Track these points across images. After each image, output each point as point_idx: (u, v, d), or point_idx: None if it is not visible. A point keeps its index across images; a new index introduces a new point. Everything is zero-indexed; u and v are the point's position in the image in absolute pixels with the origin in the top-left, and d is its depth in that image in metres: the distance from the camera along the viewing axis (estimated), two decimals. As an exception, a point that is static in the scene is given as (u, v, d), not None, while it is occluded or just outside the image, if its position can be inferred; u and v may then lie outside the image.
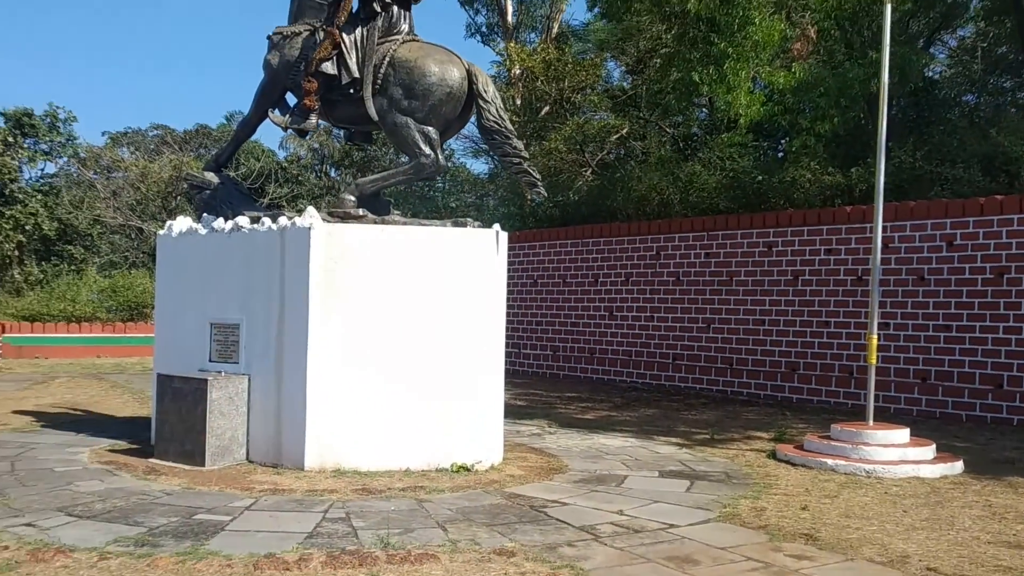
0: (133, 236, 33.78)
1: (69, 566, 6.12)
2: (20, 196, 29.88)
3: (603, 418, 14.32)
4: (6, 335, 23.55)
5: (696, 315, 18.27)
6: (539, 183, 10.33)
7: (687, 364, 18.41)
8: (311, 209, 9.73)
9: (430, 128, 9.90)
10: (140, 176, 32.57)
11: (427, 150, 9.86)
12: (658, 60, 21.95)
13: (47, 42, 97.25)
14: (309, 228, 9.38)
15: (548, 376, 21.36)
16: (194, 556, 6.35)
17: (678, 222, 19.02)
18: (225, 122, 43.61)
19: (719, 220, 18.18)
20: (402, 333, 9.58)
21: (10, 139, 30.11)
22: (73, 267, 30.76)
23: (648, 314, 19.22)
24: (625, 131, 25.97)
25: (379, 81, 9.97)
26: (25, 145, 31.10)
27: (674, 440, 11.96)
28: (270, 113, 10.73)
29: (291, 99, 10.87)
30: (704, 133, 25.83)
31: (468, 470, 9.45)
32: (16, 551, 6.46)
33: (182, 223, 11.10)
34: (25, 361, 23.19)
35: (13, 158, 30.12)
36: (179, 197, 32.29)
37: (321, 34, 10.14)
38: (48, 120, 31.65)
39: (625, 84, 28.16)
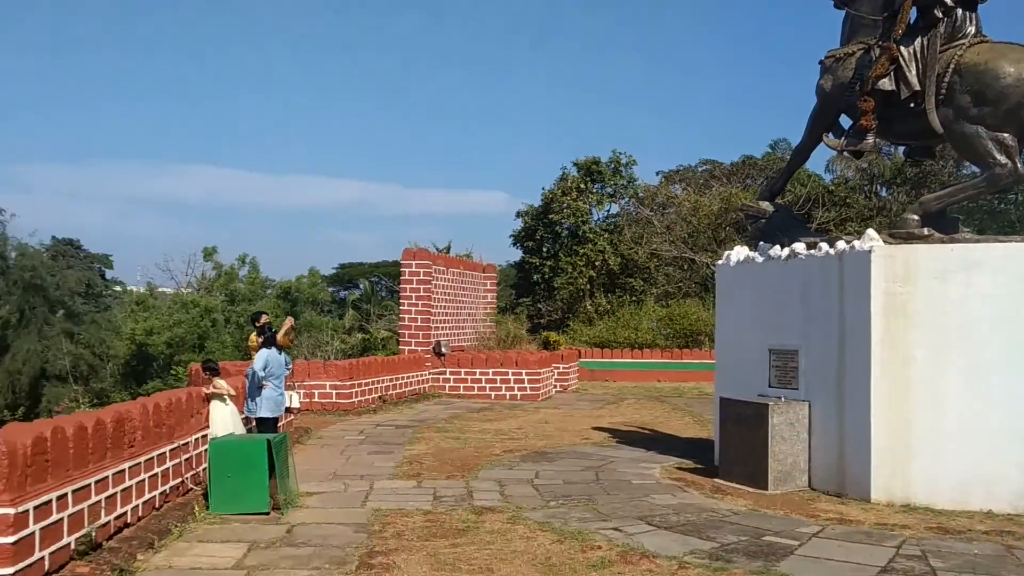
0: (685, 267, 35.82)
1: (652, 571, 6.68)
2: (590, 236, 33.63)
3: None
4: (582, 360, 26.59)
5: None
6: None
7: None
8: (871, 231, 9.39)
9: (1005, 135, 8.95)
10: (691, 210, 34.54)
11: (1002, 159, 8.92)
12: None
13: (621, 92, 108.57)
14: (869, 251, 9.06)
15: None
16: (768, 576, 6.54)
17: None
18: (770, 151, 44.24)
19: None
20: (983, 363, 8.75)
21: (582, 186, 34.13)
22: (633, 298, 33.59)
23: None
24: None
25: (943, 91, 9.30)
26: (594, 190, 35.01)
27: None
28: (824, 137, 10.65)
29: (845, 121, 10.68)
30: None
31: (1067, 519, 8.25)
32: (607, 551, 7.25)
33: (739, 252, 11.51)
34: (597, 383, 25.95)
35: (584, 202, 34.09)
36: (728, 228, 33.53)
37: (876, 51, 9.81)
38: (612, 165, 35.27)
39: None
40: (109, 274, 66.60)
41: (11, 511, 5.50)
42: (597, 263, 33.69)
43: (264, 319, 11.81)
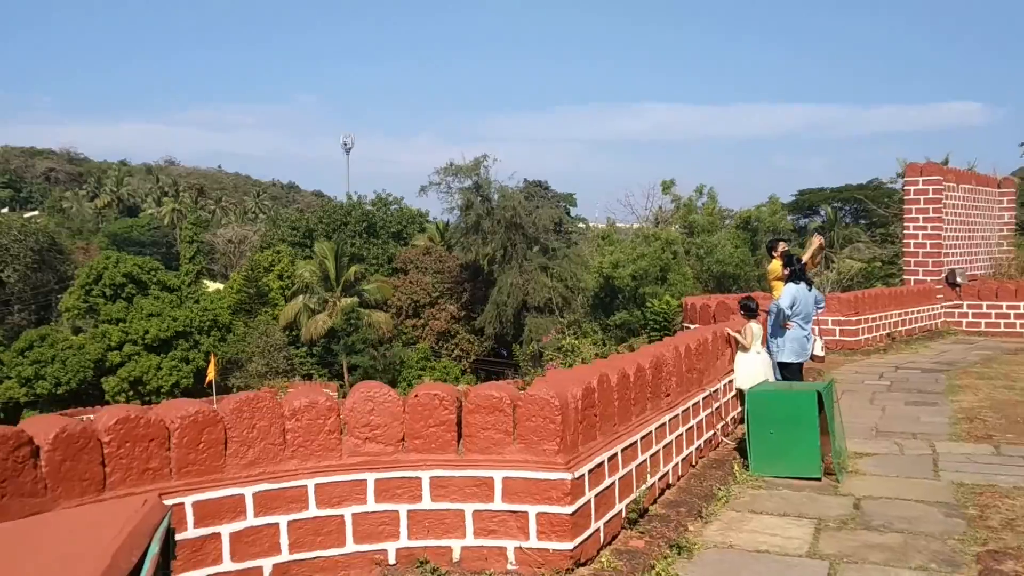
0: None
1: None
2: None
3: None
4: None
5: None
6: None
7: None
8: None
9: None
10: None
11: None
12: None
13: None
14: None
15: None
16: None
17: None
18: None
19: None
20: None
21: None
22: None
23: None
24: None
25: None
26: None
27: None
28: None
29: None
30: None
31: None
32: None
33: None
34: None
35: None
36: None
37: None
38: None
39: None
40: (573, 212, 70.45)
41: (567, 476, 4.65)
42: None
43: (782, 247, 10.27)
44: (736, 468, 7.16)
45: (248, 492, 4.48)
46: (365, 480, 4.70)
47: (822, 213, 71.19)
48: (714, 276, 43.79)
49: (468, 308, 49.22)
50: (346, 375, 44.88)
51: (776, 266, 10.10)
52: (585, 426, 4.99)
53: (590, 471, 4.90)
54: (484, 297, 47.92)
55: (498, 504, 4.69)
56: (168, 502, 4.26)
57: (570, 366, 18.56)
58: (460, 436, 4.79)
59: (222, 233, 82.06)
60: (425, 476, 4.73)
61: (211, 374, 34.46)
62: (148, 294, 45.88)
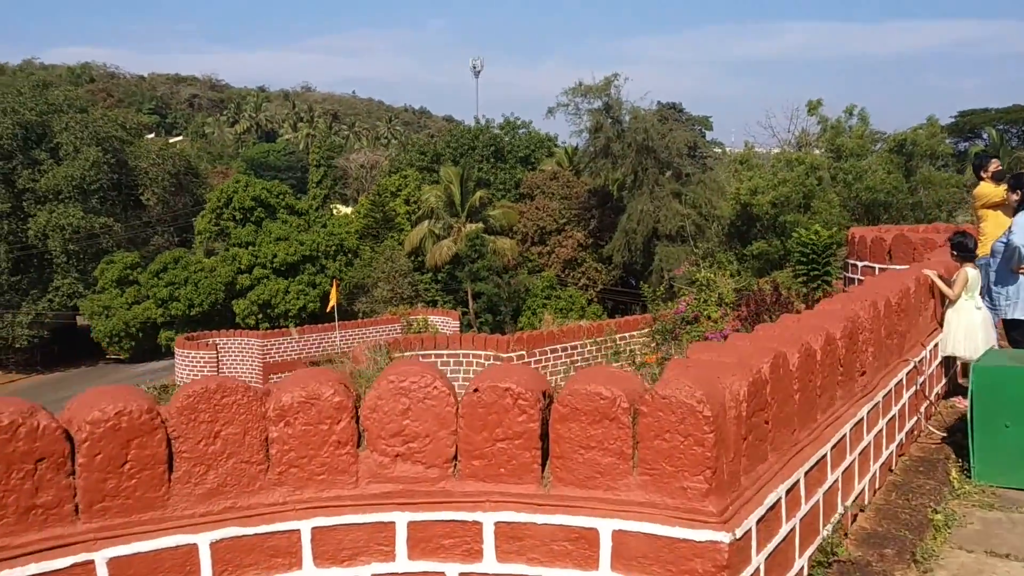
0: None
1: None
2: None
3: None
4: None
5: None
6: None
7: None
8: None
9: None
10: None
11: None
12: None
13: None
14: None
15: None
16: None
17: None
18: None
19: None
20: None
21: None
22: None
23: None
24: None
25: None
26: None
27: None
28: None
29: None
30: None
31: None
32: None
33: None
34: None
35: None
36: None
37: None
38: None
39: None
40: (708, 135, 66.77)
41: (724, 537, 2.76)
42: None
43: (995, 165, 7.86)
44: (953, 473, 5.08)
45: (204, 540, 2.81)
46: (393, 523, 2.95)
47: (985, 136, 65.46)
48: (862, 204, 40.21)
49: (596, 235, 47.15)
50: (471, 302, 43.84)
51: (987, 190, 7.72)
52: (752, 443, 3.07)
53: (759, 520, 3.00)
54: (612, 224, 45.68)
55: (605, 574, 2.86)
56: (69, 560, 2.64)
57: (705, 302, 16.38)
58: (546, 457, 2.97)
59: (355, 158, 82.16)
60: (488, 520, 2.94)
61: (333, 299, 33.79)
62: (276, 218, 45.82)
